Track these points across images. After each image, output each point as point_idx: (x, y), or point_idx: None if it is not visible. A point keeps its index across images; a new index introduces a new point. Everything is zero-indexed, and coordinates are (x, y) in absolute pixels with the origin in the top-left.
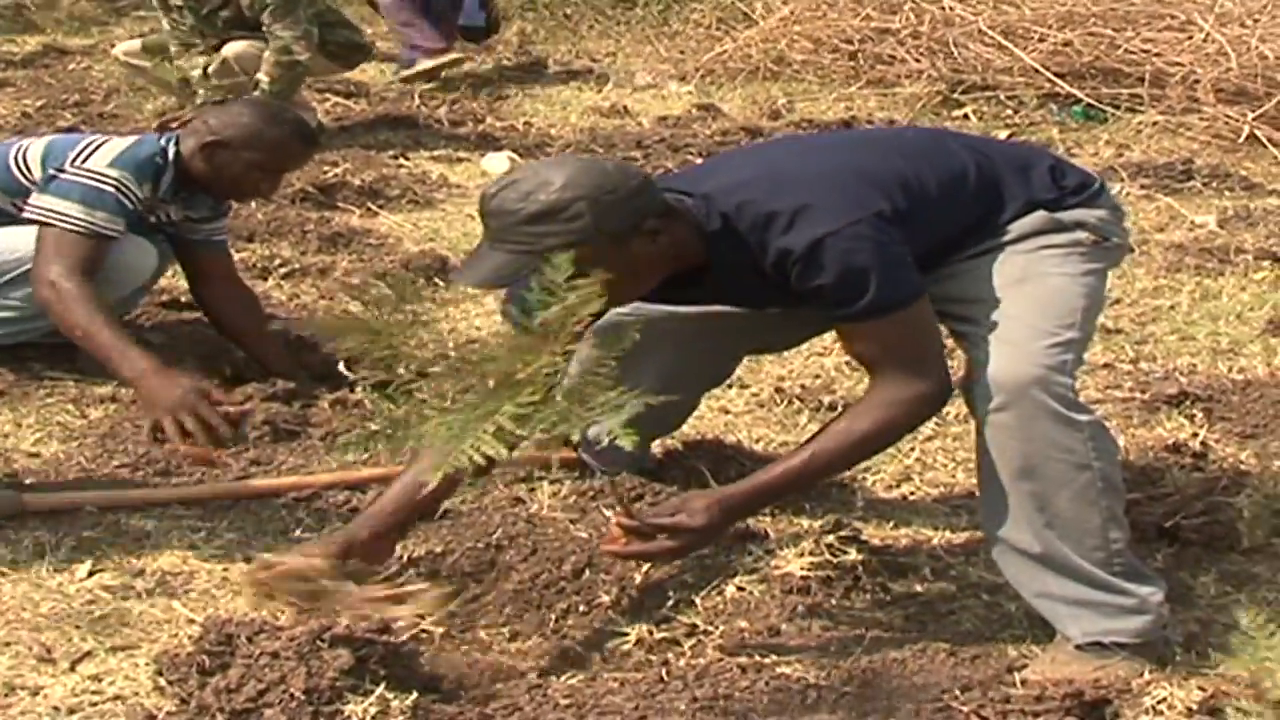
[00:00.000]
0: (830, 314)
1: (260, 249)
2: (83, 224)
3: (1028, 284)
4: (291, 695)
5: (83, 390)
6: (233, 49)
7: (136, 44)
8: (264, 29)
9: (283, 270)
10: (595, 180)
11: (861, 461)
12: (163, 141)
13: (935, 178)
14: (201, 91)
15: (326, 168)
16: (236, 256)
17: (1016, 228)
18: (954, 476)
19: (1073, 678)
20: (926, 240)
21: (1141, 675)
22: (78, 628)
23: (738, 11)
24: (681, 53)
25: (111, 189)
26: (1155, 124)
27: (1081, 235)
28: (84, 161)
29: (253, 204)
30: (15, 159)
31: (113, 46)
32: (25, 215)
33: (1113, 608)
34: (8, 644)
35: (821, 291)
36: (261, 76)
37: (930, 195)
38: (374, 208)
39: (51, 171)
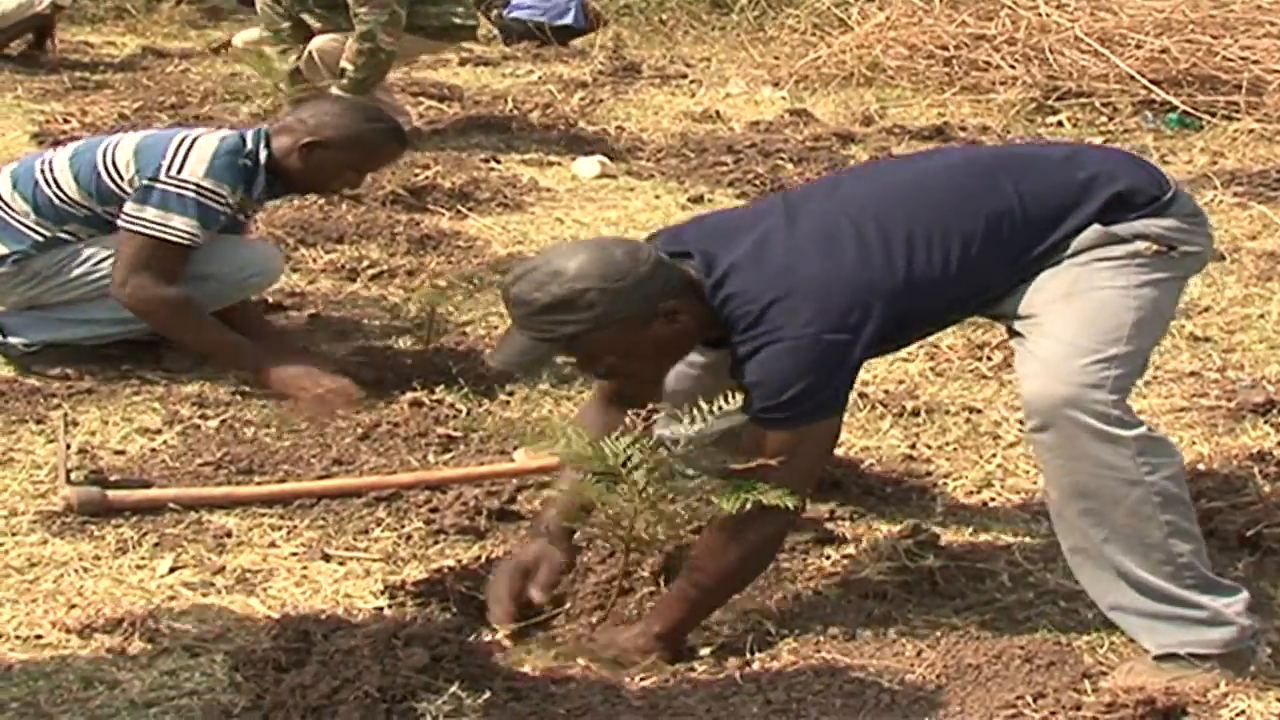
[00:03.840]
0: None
1: (349, 250)
2: (178, 234)
3: (1074, 299)
4: (366, 693)
5: (169, 389)
6: (318, 43)
7: (255, 33)
8: (350, 12)
9: (371, 271)
10: (604, 269)
11: (740, 583)
12: (249, 143)
13: (943, 262)
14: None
15: (418, 170)
16: (326, 257)
17: (1072, 244)
18: (1035, 483)
19: (1145, 686)
20: (938, 305)
21: (1218, 686)
22: (156, 623)
23: (833, 17)
24: (775, 58)
25: (208, 199)
26: (1251, 131)
27: (1140, 246)
28: (178, 171)
29: (344, 206)
30: (105, 164)
31: (216, 49)
32: (121, 224)
33: (1187, 620)
34: (87, 639)
35: (749, 387)
36: (345, 64)
37: (932, 284)
38: (464, 210)
39: (146, 181)
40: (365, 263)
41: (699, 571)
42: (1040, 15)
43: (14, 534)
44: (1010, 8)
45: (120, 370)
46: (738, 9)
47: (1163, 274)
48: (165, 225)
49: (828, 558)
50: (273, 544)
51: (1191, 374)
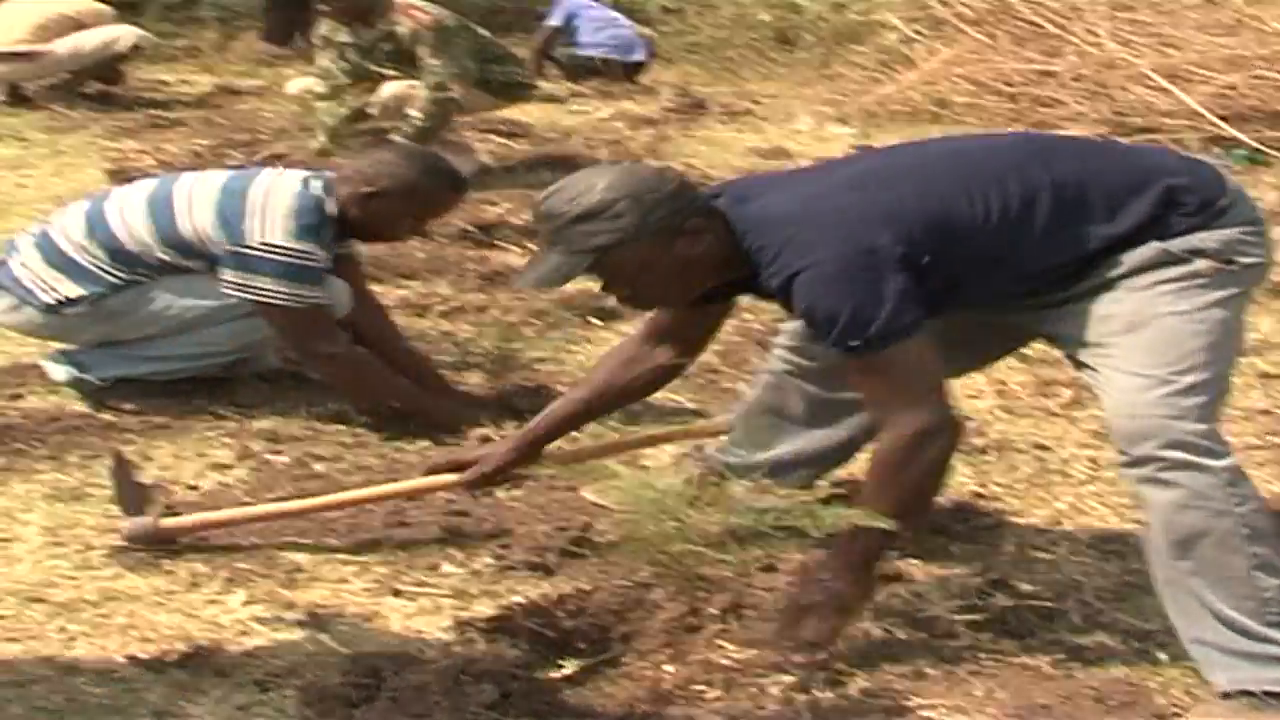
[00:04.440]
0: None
1: (419, 286)
2: (308, 299)
3: (1140, 330)
4: None
5: (241, 424)
6: (391, 89)
7: (310, 81)
8: (419, 62)
9: (440, 308)
10: (634, 184)
11: (913, 513)
12: (315, 190)
13: (981, 222)
14: (343, 134)
15: (486, 207)
16: (396, 294)
17: (1129, 260)
18: (1106, 522)
19: None
20: (981, 259)
21: None
22: (228, 658)
23: (899, 54)
24: (842, 94)
25: (311, 263)
26: None
27: (1200, 265)
28: (268, 236)
29: (414, 242)
30: (190, 225)
31: (284, 87)
32: (230, 290)
33: (1265, 657)
34: (160, 672)
35: (807, 323)
36: (412, 111)
37: (972, 230)
38: (532, 246)
39: (240, 249)
40: (435, 299)
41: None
42: (1106, 51)
43: (89, 568)
44: (1076, 44)
45: (193, 405)
46: (804, 46)
47: (1226, 290)
48: (287, 293)
49: (897, 596)
50: (343, 579)
51: (1263, 412)
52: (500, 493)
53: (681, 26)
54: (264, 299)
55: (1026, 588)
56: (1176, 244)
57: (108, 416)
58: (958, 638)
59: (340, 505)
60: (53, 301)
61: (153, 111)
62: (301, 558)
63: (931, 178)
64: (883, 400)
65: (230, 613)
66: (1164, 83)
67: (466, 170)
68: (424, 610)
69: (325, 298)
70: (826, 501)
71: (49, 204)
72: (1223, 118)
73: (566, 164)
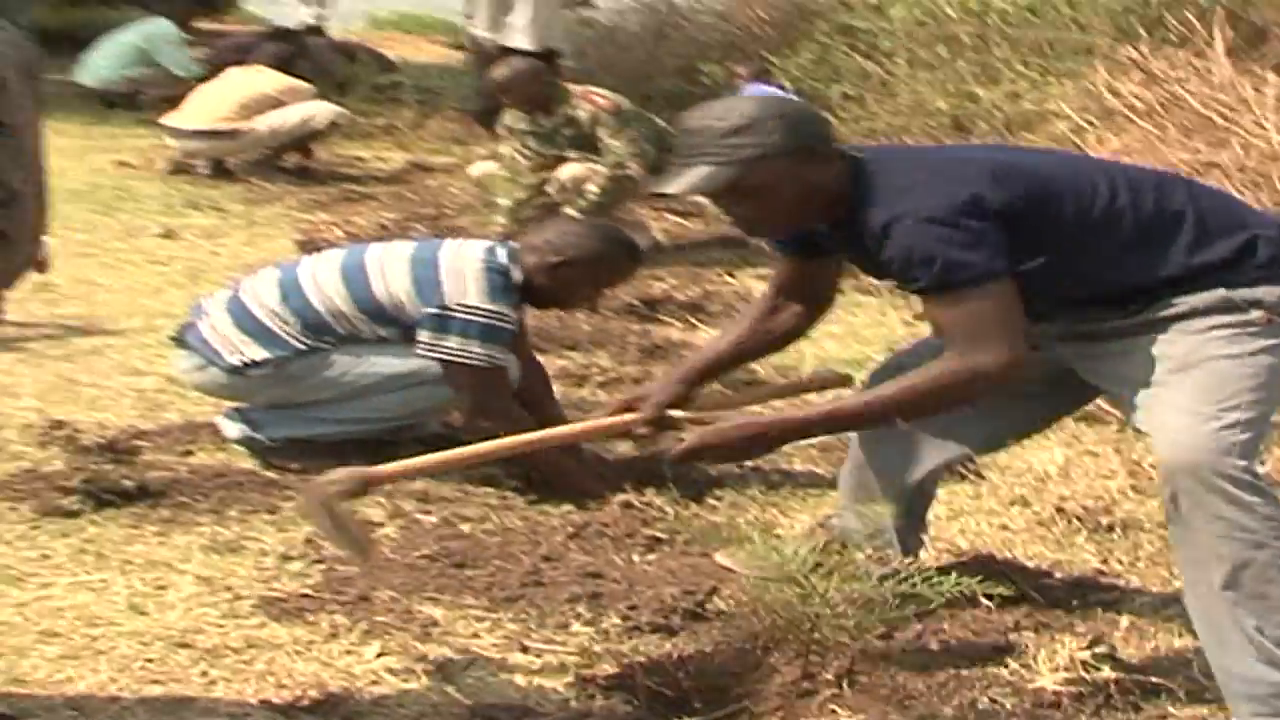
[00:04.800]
0: (902, 286)
1: (580, 357)
2: (497, 360)
3: (1192, 370)
4: None
5: (395, 485)
6: (570, 170)
7: (494, 166)
8: (599, 145)
9: (599, 378)
10: (780, 105)
11: (915, 416)
12: (502, 261)
13: (1082, 205)
14: (521, 213)
15: (653, 282)
16: (557, 363)
17: (1187, 302)
18: None
19: None
20: (1054, 260)
21: None
22: (358, 706)
23: (1070, 142)
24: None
25: (504, 325)
26: None
27: (1255, 315)
28: (465, 299)
29: (580, 315)
30: (385, 293)
31: (470, 165)
32: (424, 351)
33: None
34: (290, 718)
35: (891, 264)
36: (591, 187)
37: (1069, 211)
38: (694, 321)
39: (438, 310)
40: (595, 369)
41: (885, 387)
42: (1271, 144)
43: (235, 616)
44: (1242, 136)
45: (352, 465)
46: (979, 134)
47: (1274, 340)
48: (477, 353)
49: (1006, 666)
50: (475, 634)
51: None
52: (635, 556)
53: (860, 113)
54: (457, 358)
55: (1135, 662)
56: (1241, 293)
57: (271, 474)
58: (1061, 708)
59: (524, 446)
60: (238, 364)
61: (346, 185)
62: (438, 612)
63: (1050, 160)
64: (961, 335)
65: (364, 663)
66: None
67: (641, 245)
68: (549, 667)
69: (508, 361)
70: (945, 570)
71: (240, 271)
72: None
73: (738, 244)
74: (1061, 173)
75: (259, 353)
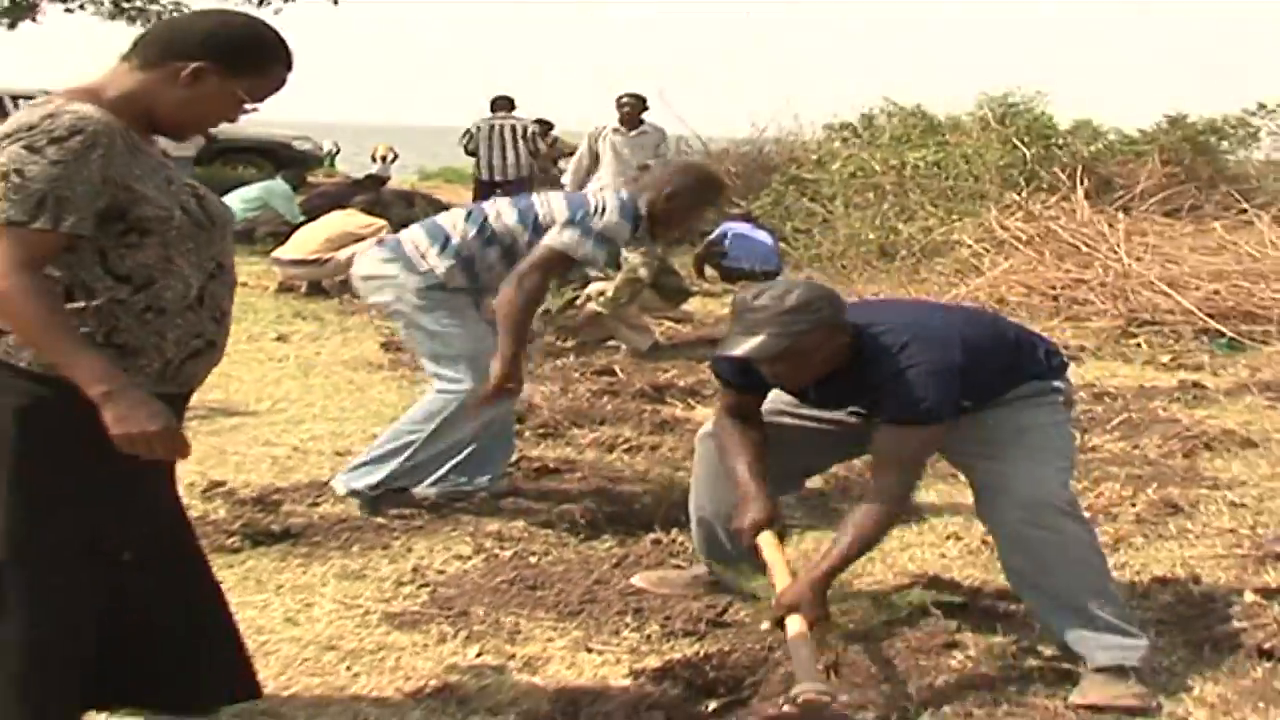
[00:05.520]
0: (884, 415)
1: (608, 430)
2: (579, 252)
3: (1031, 431)
4: None
5: (476, 525)
6: (595, 286)
7: None
8: (620, 257)
9: (624, 446)
10: (821, 291)
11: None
12: (629, 198)
13: (992, 345)
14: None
15: (659, 373)
16: (591, 435)
17: (1026, 390)
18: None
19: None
20: (976, 383)
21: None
22: (467, 692)
23: (970, 265)
24: (928, 293)
25: (620, 235)
26: None
27: (1059, 397)
28: (601, 214)
29: (605, 398)
30: (545, 209)
31: None
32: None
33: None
34: (419, 701)
35: (889, 400)
36: (610, 288)
37: (985, 358)
38: (693, 403)
39: (578, 216)
40: (621, 439)
41: (853, 540)
42: (1124, 265)
43: (366, 627)
44: (1102, 260)
45: (441, 514)
46: (899, 258)
47: (1067, 413)
48: (584, 250)
49: (954, 658)
50: (550, 639)
51: (1230, 530)
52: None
53: (808, 243)
54: (564, 248)
55: (1049, 654)
56: (1053, 382)
57: (380, 520)
58: (996, 688)
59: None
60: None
61: None
62: (520, 623)
63: (969, 321)
64: (898, 464)
65: (468, 661)
66: (1166, 289)
67: (645, 345)
68: (608, 662)
69: (595, 259)
70: (901, 588)
71: (339, 366)
72: (1210, 315)
73: (718, 343)
74: (978, 334)
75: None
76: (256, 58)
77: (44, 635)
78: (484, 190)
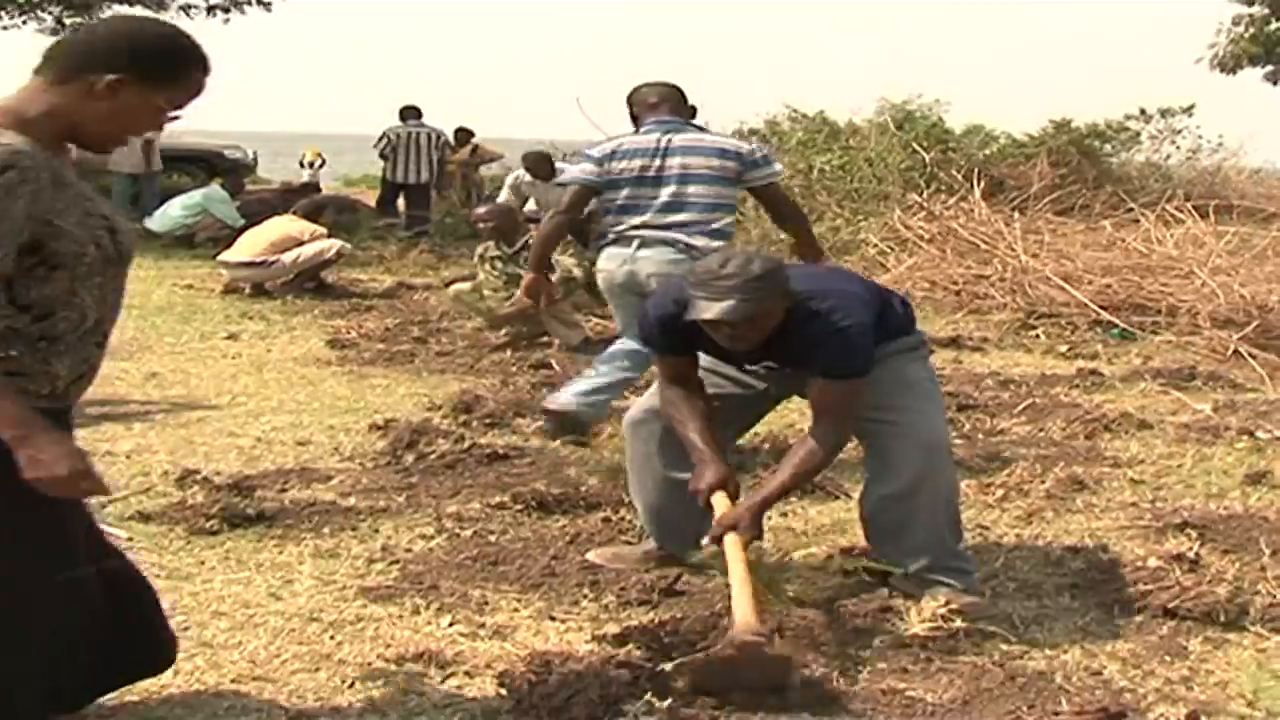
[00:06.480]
0: (820, 371)
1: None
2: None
3: (919, 384)
4: (589, 698)
5: (437, 508)
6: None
7: (467, 285)
8: (552, 261)
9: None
10: (777, 259)
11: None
12: None
13: (880, 303)
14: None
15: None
16: (534, 425)
17: (900, 344)
18: (1031, 554)
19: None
20: (877, 338)
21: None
22: (444, 657)
23: (877, 262)
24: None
25: None
26: (1169, 342)
27: (925, 350)
28: None
29: (543, 390)
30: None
31: (445, 285)
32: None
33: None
34: (401, 666)
35: (824, 357)
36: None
37: (880, 314)
38: (627, 393)
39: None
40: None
41: (790, 475)
42: (1021, 261)
43: (344, 600)
44: (1000, 257)
45: (405, 498)
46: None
47: (930, 365)
48: None
49: (888, 620)
50: (516, 609)
51: (1131, 504)
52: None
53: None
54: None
55: (975, 616)
56: (920, 335)
57: (349, 502)
58: (927, 648)
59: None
60: None
61: (354, 300)
62: (488, 595)
63: (859, 282)
64: (836, 413)
65: (442, 629)
66: (1061, 284)
67: (576, 340)
68: (571, 629)
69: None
70: (831, 557)
71: (290, 363)
72: (1103, 307)
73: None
74: (873, 293)
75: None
76: (173, 65)
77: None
78: (392, 192)
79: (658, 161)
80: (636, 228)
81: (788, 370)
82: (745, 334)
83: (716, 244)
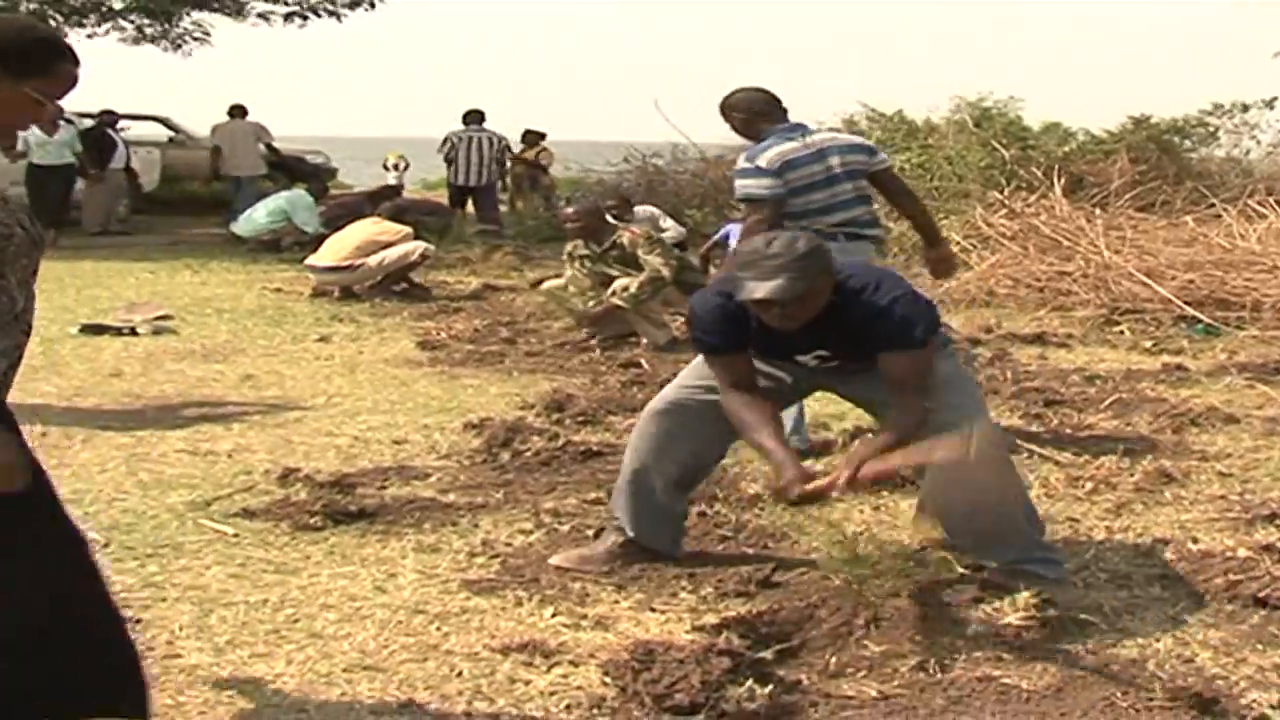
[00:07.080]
0: (885, 345)
1: None
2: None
3: (955, 380)
4: (692, 685)
5: (534, 504)
6: (619, 283)
7: (559, 281)
8: (641, 261)
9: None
10: (820, 239)
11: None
12: None
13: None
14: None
15: (681, 364)
16: (626, 422)
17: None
18: (1122, 553)
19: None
20: None
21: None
22: (549, 646)
23: (960, 260)
24: (921, 287)
25: None
26: (1254, 337)
27: (952, 346)
28: None
29: (634, 389)
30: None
31: (532, 285)
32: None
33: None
34: (507, 655)
35: (889, 330)
36: (633, 286)
37: None
38: None
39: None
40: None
41: (890, 439)
42: (1104, 257)
43: (448, 593)
44: (1083, 253)
45: (503, 494)
46: (891, 255)
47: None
48: None
49: (982, 611)
50: (616, 600)
51: (1220, 496)
52: (713, 548)
53: None
54: None
55: (1068, 606)
56: (946, 334)
57: (448, 499)
58: (1022, 637)
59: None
60: None
61: (442, 302)
62: (588, 587)
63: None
64: (914, 380)
65: (545, 620)
66: (1144, 279)
67: (664, 339)
68: (671, 619)
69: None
70: (941, 544)
71: (382, 364)
72: (1187, 303)
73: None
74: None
75: None
76: (37, 59)
77: None
78: (457, 194)
79: (821, 165)
80: (835, 225)
81: (835, 363)
82: (795, 313)
83: (879, 231)
